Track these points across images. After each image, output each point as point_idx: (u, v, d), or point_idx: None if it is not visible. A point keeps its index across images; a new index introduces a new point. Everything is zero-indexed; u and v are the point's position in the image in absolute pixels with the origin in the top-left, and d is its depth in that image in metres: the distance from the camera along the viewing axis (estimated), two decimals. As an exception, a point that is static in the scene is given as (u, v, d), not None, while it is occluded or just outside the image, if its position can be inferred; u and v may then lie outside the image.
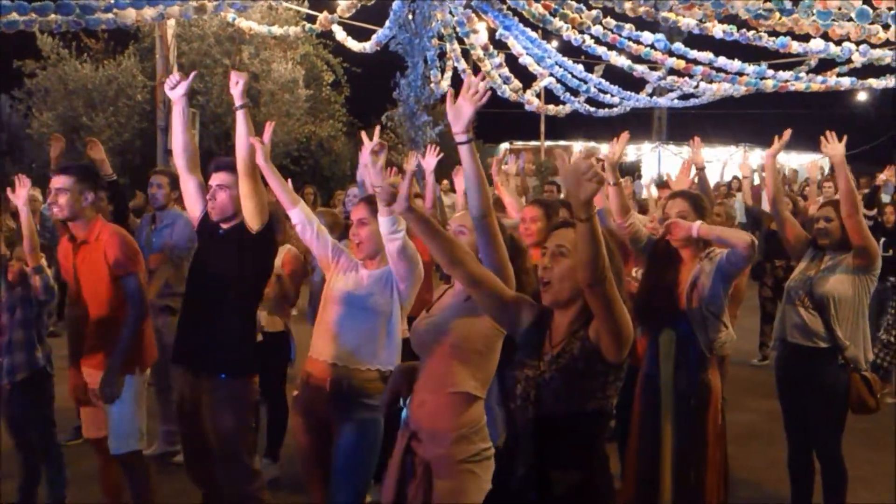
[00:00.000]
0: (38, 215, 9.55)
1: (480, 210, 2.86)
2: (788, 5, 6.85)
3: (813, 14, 7.34)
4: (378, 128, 4.06)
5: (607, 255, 2.33)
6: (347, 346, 3.61)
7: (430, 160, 5.34)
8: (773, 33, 9.35)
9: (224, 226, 3.90)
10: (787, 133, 4.83)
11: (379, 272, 3.68)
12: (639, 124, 28.01)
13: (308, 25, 11.71)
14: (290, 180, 3.94)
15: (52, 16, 8.12)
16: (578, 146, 26.50)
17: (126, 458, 4.24)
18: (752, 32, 9.53)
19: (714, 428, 3.99)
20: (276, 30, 12.52)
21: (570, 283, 2.52)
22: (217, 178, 3.86)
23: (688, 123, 27.49)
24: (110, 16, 8.42)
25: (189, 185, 4.02)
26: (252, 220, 3.76)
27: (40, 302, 4.48)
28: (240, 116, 3.75)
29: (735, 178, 14.17)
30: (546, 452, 2.49)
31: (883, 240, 7.90)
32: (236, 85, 3.75)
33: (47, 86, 16.03)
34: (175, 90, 3.89)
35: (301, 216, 3.74)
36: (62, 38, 15.81)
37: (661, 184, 7.76)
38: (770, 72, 12.38)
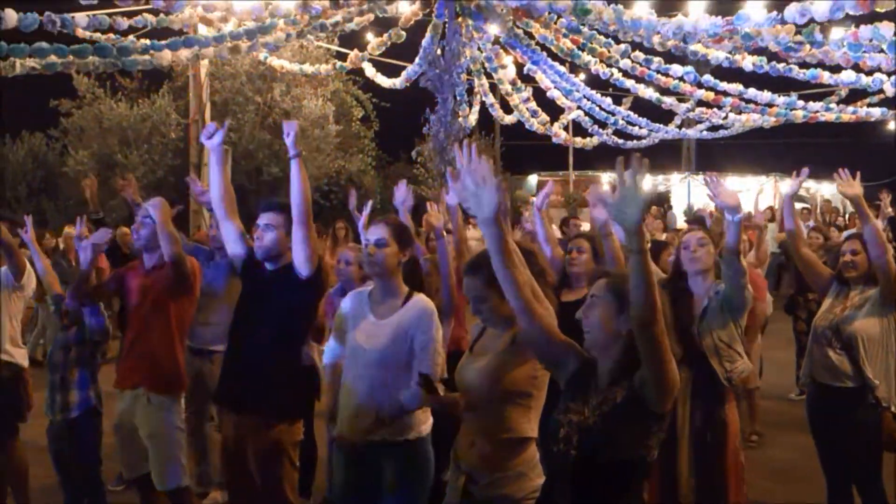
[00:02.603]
0: (73, 252, 9.73)
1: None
2: (819, 37, 6.84)
3: (844, 45, 7.32)
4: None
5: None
6: (386, 402, 3.50)
7: (453, 200, 5.35)
8: (804, 65, 9.35)
9: (270, 266, 3.92)
10: (805, 171, 4.75)
11: (398, 316, 3.58)
12: (668, 155, 28.01)
13: (339, 63, 11.88)
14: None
15: (91, 58, 8.34)
16: (606, 177, 26.49)
17: (175, 493, 4.33)
18: (782, 65, 9.53)
19: (734, 463, 4.00)
20: (308, 68, 12.72)
21: (604, 332, 2.54)
22: (265, 218, 3.89)
23: (717, 154, 27.48)
24: (147, 57, 8.62)
25: (229, 230, 4.06)
26: (303, 266, 3.76)
27: (94, 342, 4.60)
28: (294, 165, 3.78)
29: (769, 207, 14.10)
30: (584, 498, 2.48)
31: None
32: (288, 136, 3.78)
33: (83, 124, 16.37)
34: (212, 139, 3.96)
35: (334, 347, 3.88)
36: (97, 78, 16.14)
37: (693, 219, 7.75)
38: (800, 103, 12.35)
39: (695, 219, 7.15)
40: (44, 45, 7.86)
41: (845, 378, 4.38)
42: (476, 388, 3.16)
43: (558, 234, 7.98)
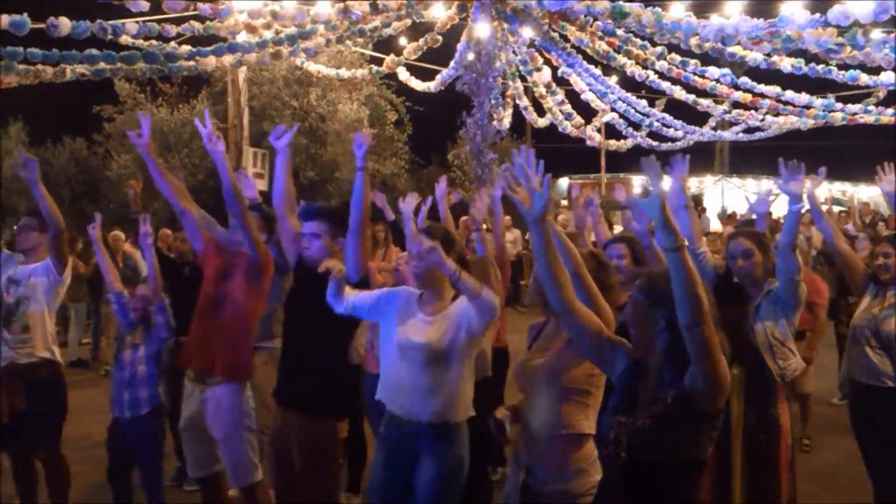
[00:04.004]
0: (120, 254, 9.93)
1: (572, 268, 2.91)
2: (862, 40, 6.83)
3: (886, 47, 7.29)
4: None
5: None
6: (437, 398, 3.52)
7: (498, 192, 5.41)
8: (843, 66, 9.31)
9: (320, 269, 3.93)
10: (823, 171, 4.51)
11: (442, 316, 3.57)
12: (701, 158, 27.77)
13: (375, 68, 12.01)
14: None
15: (139, 64, 8.54)
16: (637, 180, 26.38)
17: (249, 491, 4.37)
18: (821, 66, 9.49)
19: (785, 463, 3.96)
20: (344, 72, 12.88)
21: (642, 331, 2.54)
22: (309, 227, 3.96)
23: (750, 156, 27.20)
24: (192, 63, 8.81)
25: (286, 228, 4.15)
26: (352, 271, 3.81)
27: (161, 339, 4.70)
28: (360, 177, 3.83)
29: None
30: (638, 499, 2.47)
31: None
32: (360, 147, 3.83)
33: (124, 129, 16.60)
34: (280, 140, 4.06)
35: (355, 304, 3.68)
36: (138, 84, 16.41)
37: (726, 217, 7.69)
38: (838, 105, 12.27)
39: (745, 221, 7.00)
40: (94, 51, 8.07)
41: (885, 378, 4.37)
42: (534, 384, 3.22)
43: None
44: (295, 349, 4.06)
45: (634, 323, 2.57)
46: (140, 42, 9.25)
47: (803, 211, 3.98)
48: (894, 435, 4.37)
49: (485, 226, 4.98)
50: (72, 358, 10.09)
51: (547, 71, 12.15)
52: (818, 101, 12.13)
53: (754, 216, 5.31)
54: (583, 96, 12.99)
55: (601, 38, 10.44)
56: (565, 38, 10.90)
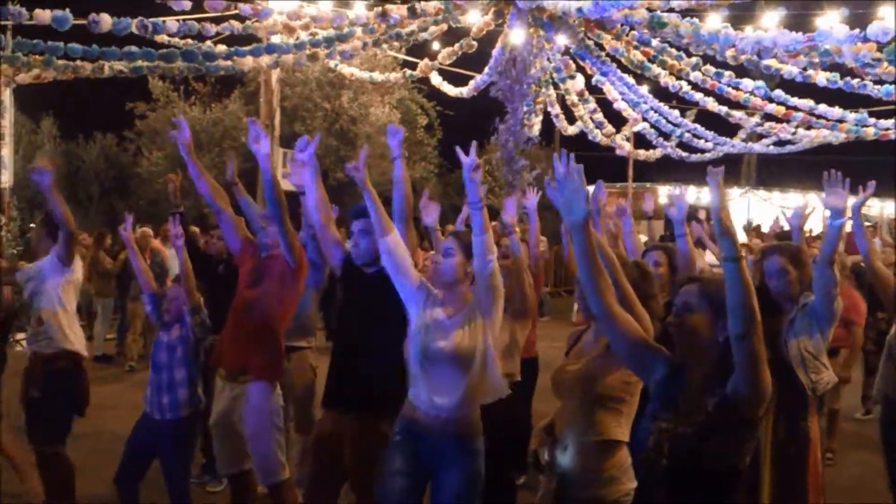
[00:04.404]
0: (148, 251, 10.04)
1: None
2: (900, 55, 6.81)
3: (924, 63, 7.26)
4: (476, 145, 4.09)
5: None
6: (450, 398, 3.49)
7: (533, 200, 5.41)
8: (879, 81, 9.25)
9: (369, 270, 3.98)
10: (872, 186, 4.48)
11: (463, 315, 3.56)
12: (728, 169, 27.49)
13: (409, 72, 12.08)
14: None
15: (177, 62, 8.66)
16: (664, 189, 26.27)
17: (276, 488, 4.38)
18: (856, 80, 9.44)
19: (814, 477, 3.95)
20: (377, 76, 12.94)
21: (700, 339, 2.52)
22: (359, 224, 3.95)
23: (777, 169, 27.03)
24: (230, 63, 8.91)
25: (326, 236, 4.13)
26: None
27: (198, 339, 4.59)
28: (398, 166, 3.84)
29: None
30: None
31: None
32: (395, 136, 3.83)
33: (157, 127, 16.83)
34: (305, 152, 4.02)
35: (389, 246, 3.59)
36: (172, 82, 16.59)
37: (751, 229, 7.64)
38: (871, 120, 12.17)
39: (780, 234, 6.92)
40: (133, 48, 8.19)
41: None
42: (572, 390, 3.24)
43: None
44: (347, 352, 4.05)
45: (689, 330, 2.55)
46: (175, 40, 9.37)
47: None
48: None
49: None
50: (97, 353, 10.21)
51: (580, 79, 12.17)
52: (851, 116, 12.03)
53: (787, 228, 5.29)
54: (615, 105, 12.97)
55: (636, 48, 10.44)
56: (600, 47, 10.91)
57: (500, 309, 3.60)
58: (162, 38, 9.08)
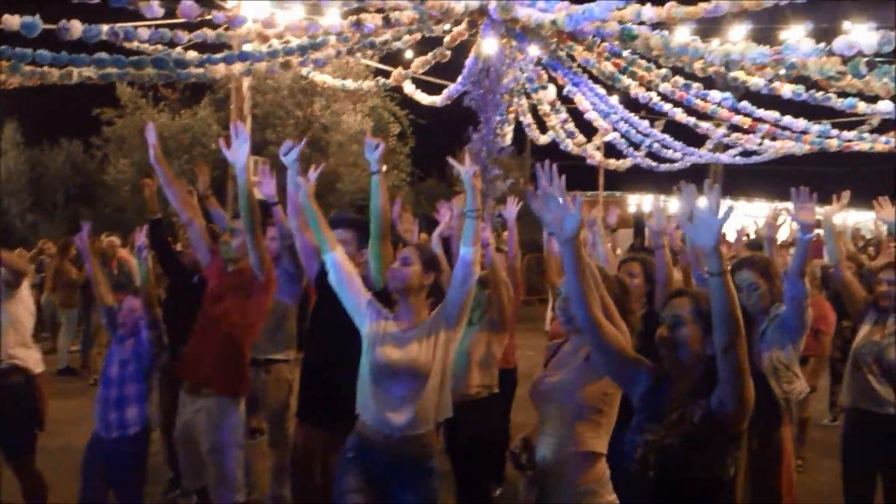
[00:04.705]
0: (115, 260, 9.88)
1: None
2: (864, 70, 6.96)
3: (885, 77, 7.42)
4: (468, 152, 3.99)
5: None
6: (404, 416, 3.43)
7: (512, 210, 5.44)
8: (842, 94, 9.45)
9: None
10: (847, 194, 4.68)
11: (420, 329, 3.52)
12: (694, 179, 27.76)
13: (382, 80, 12.09)
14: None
15: (148, 69, 8.58)
16: (633, 198, 26.53)
17: None
18: (820, 93, 9.63)
19: (788, 486, 4.01)
20: (350, 84, 12.92)
21: (689, 352, 2.57)
22: (337, 234, 3.89)
23: (743, 179, 27.43)
24: (201, 70, 8.85)
25: (304, 243, 4.14)
26: (377, 278, 3.81)
27: (154, 355, 4.44)
28: (375, 181, 3.83)
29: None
30: None
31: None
32: (375, 150, 3.81)
33: (124, 133, 16.63)
34: (288, 155, 3.98)
35: (335, 262, 3.56)
36: (140, 88, 16.39)
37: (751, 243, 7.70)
38: (835, 131, 12.42)
39: (751, 243, 7.01)
40: (104, 55, 8.09)
41: (888, 405, 4.39)
42: (550, 401, 3.25)
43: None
44: (319, 365, 4.04)
45: (680, 343, 2.59)
46: (145, 46, 9.27)
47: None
48: (890, 461, 4.41)
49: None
50: (61, 366, 9.93)
51: (552, 89, 12.27)
52: (815, 127, 12.28)
53: (753, 236, 5.42)
54: (586, 115, 13.10)
55: (607, 59, 10.56)
56: (572, 58, 11.02)
57: (464, 324, 3.59)
58: (132, 44, 8.98)
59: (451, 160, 3.62)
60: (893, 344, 4.41)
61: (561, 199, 2.68)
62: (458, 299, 3.47)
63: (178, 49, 9.23)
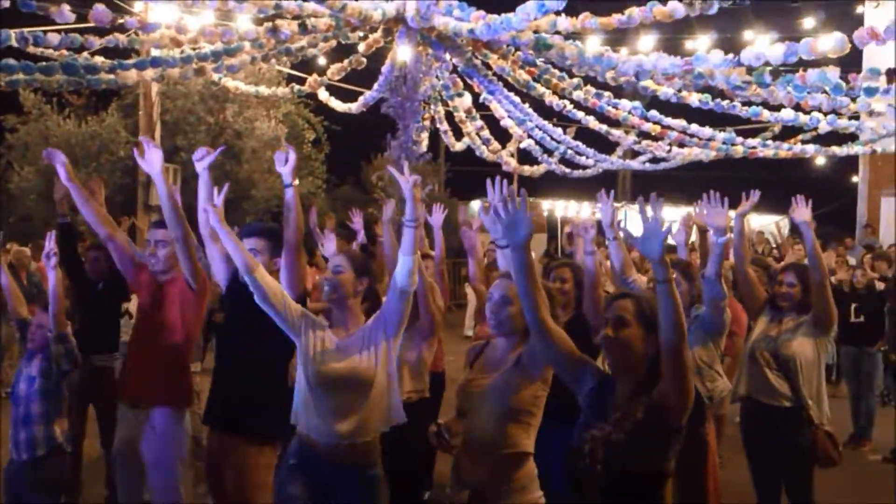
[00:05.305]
0: (24, 271, 9.51)
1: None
2: (768, 79, 7.30)
3: (789, 86, 7.79)
4: (407, 164, 4.01)
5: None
6: (348, 425, 3.45)
7: (438, 217, 5.50)
8: (747, 103, 9.86)
9: None
10: (756, 193, 4.81)
11: (359, 337, 3.55)
12: (605, 185, 28.46)
13: (297, 87, 11.98)
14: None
15: (57, 76, 8.28)
16: (547, 204, 26.95)
17: None
18: (726, 102, 10.02)
19: (713, 482, 4.16)
20: (264, 90, 12.75)
21: (633, 352, 2.70)
22: (249, 243, 3.92)
23: (652, 184, 28.28)
24: (112, 76, 8.60)
25: (215, 253, 4.07)
26: (290, 289, 3.78)
27: (63, 372, 4.27)
28: (289, 194, 3.79)
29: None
30: None
31: (854, 305, 8.21)
32: (287, 163, 3.76)
33: (28, 141, 15.95)
34: (201, 162, 3.95)
35: (257, 282, 3.48)
36: (44, 94, 15.77)
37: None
38: (739, 138, 12.94)
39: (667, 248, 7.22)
40: (11, 61, 7.77)
41: (783, 398, 4.58)
42: (479, 406, 3.32)
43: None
44: (227, 371, 4.03)
45: (623, 343, 2.71)
46: (50, 52, 8.95)
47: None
48: (788, 452, 4.61)
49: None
50: None
51: (468, 96, 12.40)
52: (720, 135, 12.75)
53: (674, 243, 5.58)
54: (502, 122, 13.28)
55: (522, 68, 10.73)
56: (487, 66, 11.15)
57: (402, 331, 3.64)
58: (37, 50, 8.65)
59: (390, 169, 3.65)
60: (789, 339, 4.59)
61: (520, 207, 2.76)
62: (396, 307, 3.52)
63: (85, 54, 8.95)
